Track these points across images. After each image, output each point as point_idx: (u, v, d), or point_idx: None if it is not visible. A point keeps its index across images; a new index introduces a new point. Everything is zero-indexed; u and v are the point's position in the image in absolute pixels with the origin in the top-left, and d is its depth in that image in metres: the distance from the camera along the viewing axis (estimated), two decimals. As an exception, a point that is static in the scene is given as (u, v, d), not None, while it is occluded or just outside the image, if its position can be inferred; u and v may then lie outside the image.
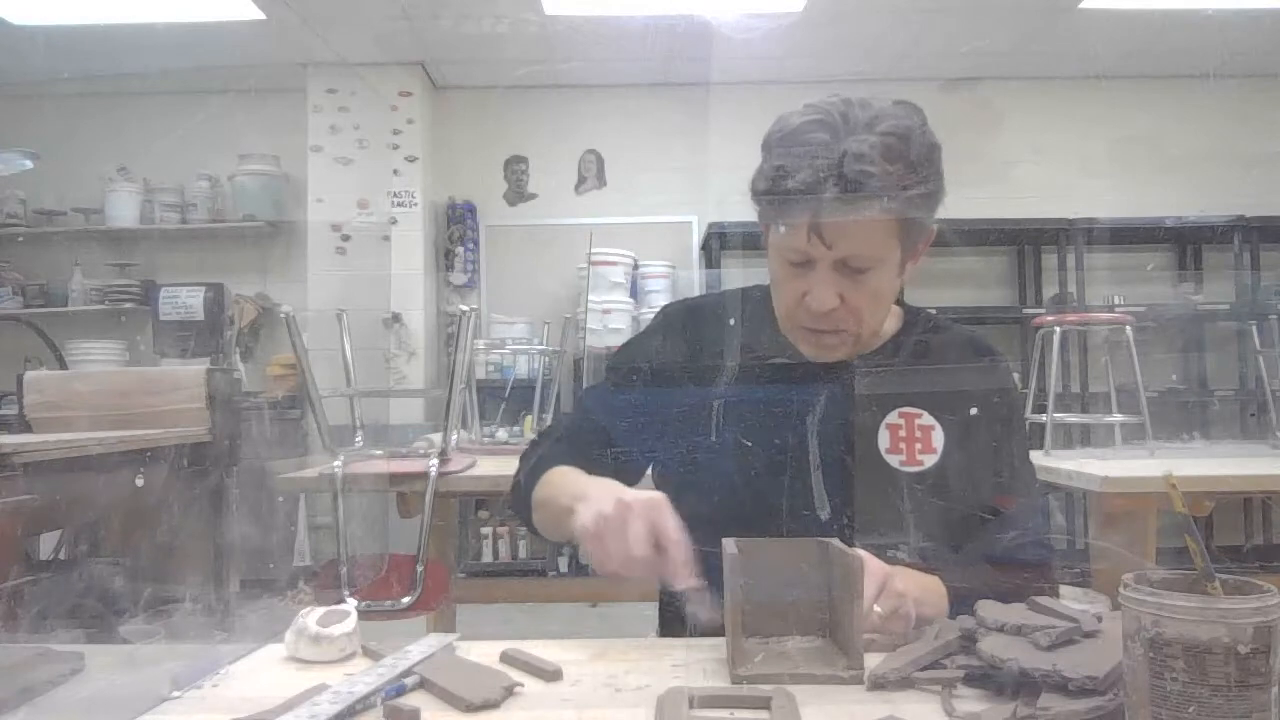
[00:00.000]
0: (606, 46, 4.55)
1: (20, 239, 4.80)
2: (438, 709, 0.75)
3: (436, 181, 5.00)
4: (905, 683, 0.77)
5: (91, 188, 4.81)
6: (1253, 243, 4.66)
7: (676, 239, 5.04)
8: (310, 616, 0.88)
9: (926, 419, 1.12)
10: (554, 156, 5.08)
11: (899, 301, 1.19)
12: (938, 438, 1.11)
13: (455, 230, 4.99)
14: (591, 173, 5.11)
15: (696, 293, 4.58)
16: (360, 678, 0.77)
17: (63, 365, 4.01)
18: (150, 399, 2.48)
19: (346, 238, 4.79)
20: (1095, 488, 2.05)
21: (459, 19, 4.26)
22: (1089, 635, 0.77)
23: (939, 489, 1.10)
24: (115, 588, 1.94)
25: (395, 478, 2.12)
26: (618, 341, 4.44)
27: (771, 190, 1.02)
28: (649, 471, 1.25)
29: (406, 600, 2.08)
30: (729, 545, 0.85)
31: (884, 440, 1.11)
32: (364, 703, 0.74)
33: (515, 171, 5.13)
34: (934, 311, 1.23)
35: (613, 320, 4.62)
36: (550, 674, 0.82)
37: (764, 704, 0.74)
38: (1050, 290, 4.89)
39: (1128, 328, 2.85)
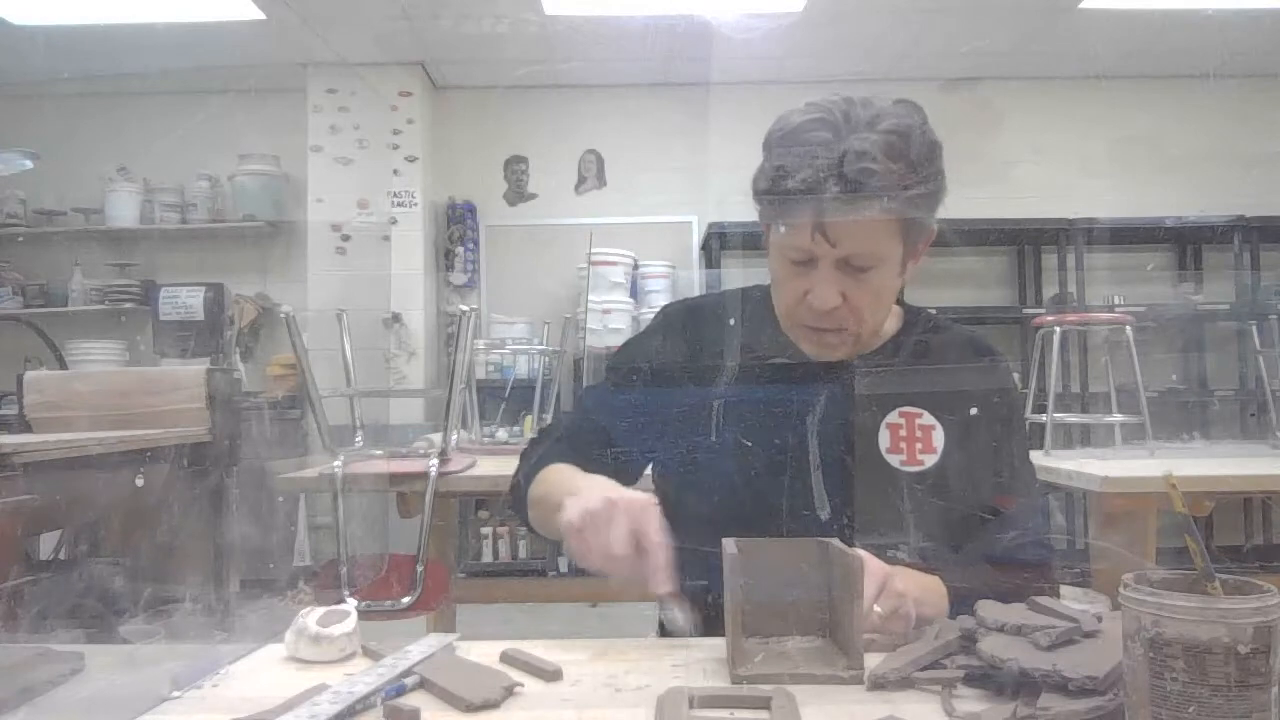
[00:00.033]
0: (606, 46, 4.55)
1: (20, 239, 4.80)
2: (438, 709, 0.75)
3: (436, 181, 5.00)
4: (905, 683, 0.77)
5: (91, 188, 4.81)
6: (1253, 243, 4.66)
7: (676, 239, 5.04)
8: (310, 616, 0.88)
9: (927, 419, 1.12)
10: (554, 156, 5.09)
11: (899, 301, 1.19)
12: (938, 438, 1.11)
13: (455, 230, 4.99)
14: (591, 173, 5.11)
15: (696, 293, 4.59)
16: (360, 678, 0.77)
17: (63, 365, 4.01)
18: (150, 399, 2.48)
19: (346, 238, 4.79)
20: (1095, 488, 2.05)
21: (459, 19, 4.26)
22: (1089, 635, 0.77)
23: (939, 489, 1.10)
24: (115, 588, 1.94)
25: (395, 478, 2.12)
26: (618, 341, 4.44)
27: (774, 189, 1.02)
28: (649, 471, 1.25)
29: (406, 600, 2.08)
30: (729, 545, 0.85)
31: (884, 440, 1.11)
32: (364, 703, 0.74)
33: (515, 171, 5.13)
34: (934, 311, 1.23)
35: (613, 320, 4.62)
36: (550, 674, 0.82)
37: (764, 704, 0.74)
38: (1050, 290, 4.89)
39: (1128, 328, 2.85)
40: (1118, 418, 2.79)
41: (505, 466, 2.19)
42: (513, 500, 1.21)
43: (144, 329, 4.52)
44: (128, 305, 4.75)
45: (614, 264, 4.73)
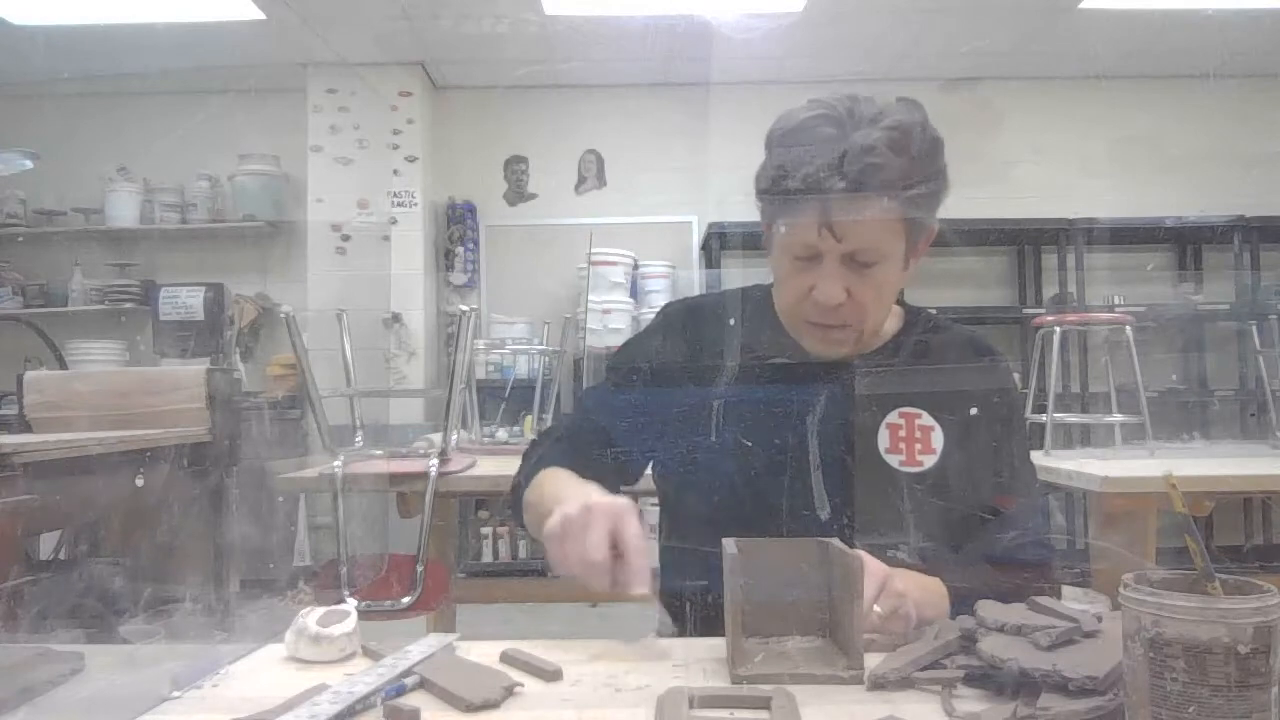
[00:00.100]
0: (606, 46, 4.55)
1: (20, 239, 4.80)
2: (438, 709, 0.75)
3: (436, 181, 5.00)
4: (905, 683, 0.77)
5: (91, 188, 4.81)
6: (1253, 243, 4.66)
7: (676, 239, 5.04)
8: (310, 616, 0.88)
9: (926, 419, 1.12)
10: (554, 156, 5.08)
11: (900, 301, 1.19)
12: (937, 438, 1.11)
13: (455, 230, 4.98)
14: (591, 173, 5.11)
15: (696, 293, 4.59)
16: (360, 678, 0.77)
17: (63, 365, 4.01)
18: (150, 399, 2.48)
19: (346, 238, 4.79)
20: (1095, 488, 2.05)
21: (459, 19, 4.26)
22: (1089, 635, 0.77)
23: (939, 489, 1.10)
24: (115, 588, 1.94)
25: (395, 478, 2.12)
26: (618, 341, 4.44)
27: (779, 185, 1.02)
28: (649, 471, 1.25)
29: (406, 600, 2.08)
30: (729, 545, 0.85)
31: (884, 440, 1.11)
32: (364, 703, 0.74)
33: (515, 171, 5.13)
34: (934, 311, 1.24)
35: (613, 320, 4.62)
36: (550, 674, 0.82)
37: (764, 704, 0.74)
38: (1050, 290, 4.89)
39: (1128, 328, 2.85)
40: (1118, 418, 2.79)
41: (505, 466, 2.19)
42: (511, 502, 1.21)
43: (144, 329, 4.52)
44: (128, 305, 4.75)
45: (614, 264, 4.73)
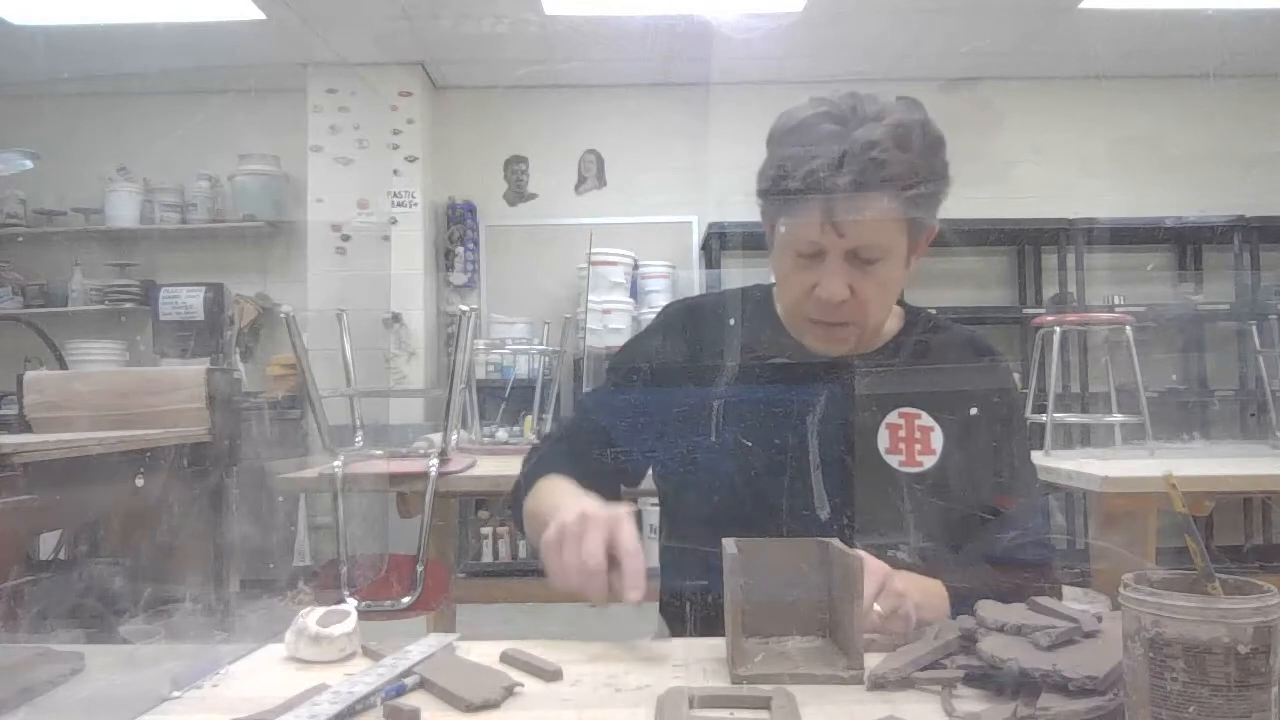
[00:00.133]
0: (606, 46, 4.55)
1: (20, 239, 4.80)
2: (438, 709, 0.75)
3: (436, 181, 5.00)
4: (905, 683, 0.77)
5: (91, 188, 4.81)
6: (1253, 243, 4.66)
7: (676, 239, 5.04)
8: (310, 616, 0.88)
9: (926, 420, 1.12)
10: (554, 156, 5.09)
11: (900, 302, 1.19)
12: (936, 439, 1.11)
13: (455, 230, 4.99)
14: (591, 173, 5.11)
15: (696, 293, 4.58)
16: (360, 678, 0.77)
17: (63, 365, 4.01)
18: (150, 399, 2.48)
19: (346, 238, 4.79)
20: (1095, 488, 2.05)
21: (459, 19, 4.26)
22: (1089, 635, 0.77)
23: (939, 489, 1.10)
24: (115, 588, 1.94)
25: (395, 478, 2.12)
26: (618, 341, 4.44)
27: (782, 181, 1.02)
28: (650, 472, 1.25)
29: (406, 600, 2.08)
30: (729, 545, 0.85)
31: (884, 440, 1.11)
32: (364, 703, 0.74)
33: (515, 171, 5.13)
34: (934, 311, 1.24)
35: (613, 320, 4.62)
36: (550, 674, 0.82)
37: (764, 704, 0.74)
38: (1050, 290, 4.89)
39: (1128, 328, 2.85)
40: (1118, 418, 2.79)
41: (505, 466, 2.19)
42: (512, 509, 1.21)
43: (144, 329, 4.52)
44: (128, 305, 4.75)
45: (614, 264, 4.73)
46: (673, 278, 4.89)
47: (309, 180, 4.78)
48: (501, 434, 3.07)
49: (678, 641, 0.92)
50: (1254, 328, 3.82)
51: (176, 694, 0.79)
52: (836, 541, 0.88)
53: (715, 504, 1.12)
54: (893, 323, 1.19)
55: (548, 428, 2.91)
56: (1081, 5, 4.08)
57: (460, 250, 4.98)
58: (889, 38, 4.38)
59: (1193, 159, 4.71)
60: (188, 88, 4.83)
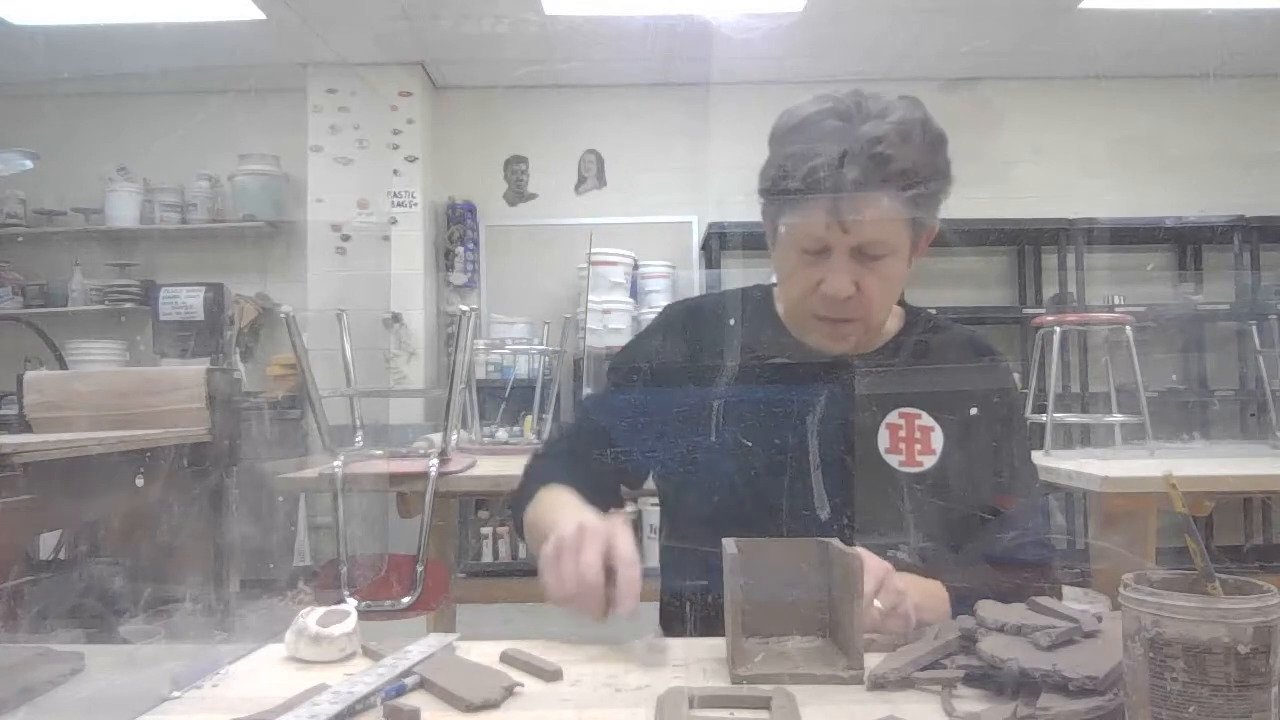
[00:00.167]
0: (606, 46, 4.55)
1: (20, 239, 4.80)
2: (438, 709, 0.75)
3: (436, 181, 5.00)
4: (905, 683, 0.77)
5: (91, 188, 4.81)
6: (1253, 243, 4.66)
7: (676, 239, 5.04)
8: (310, 616, 0.88)
9: (926, 420, 1.12)
10: (554, 156, 5.09)
11: (900, 302, 1.19)
12: (937, 439, 1.11)
13: (455, 230, 4.98)
14: (591, 173, 5.11)
15: (696, 293, 4.58)
16: (360, 678, 0.77)
17: (63, 365, 4.01)
18: (150, 399, 2.48)
19: (346, 238, 4.79)
20: (1095, 488, 2.05)
21: (459, 19, 4.26)
22: (1089, 635, 0.77)
23: (939, 489, 1.10)
24: (115, 588, 1.94)
25: (395, 478, 2.12)
26: (618, 341, 4.44)
27: (786, 179, 1.02)
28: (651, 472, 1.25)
29: (406, 600, 2.08)
30: (729, 545, 0.85)
31: (884, 440, 1.11)
32: (364, 703, 0.74)
33: (515, 171, 5.13)
34: (934, 311, 1.24)
35: (613, 320, 4.62)
36: (550, 674, 0.82)
37: (764, 704, 0.74)
38: (1050, 290, 4.89)
39: (1128, 328, 2.85)
40: (1118, 418, 2.79)
41: (505, 466, 2.19)
42: (513, 517, 1.21)
43: (144, 329, 4.52)
44: (128, 305, 4.75)
45: (614, 264, 4.73)
46: (673, 278, 4.89)
47: (309, 180, 4.78)
48: (501, 434, 3.07)
49: (678, 641, 0.92)
50: (1254, 328, 3.82)
51: (176, 694, 0.79)
52: (836, 541, 0.88)
53: (715, 504, 1.12)
54: (893, 323, 1.19)
55: (548, 428, 2.91)
56: (1081, 5, 4.08)
57: (460, 250, 4.98)
58: (889, 38, 4.38)
59: (1193, 159, 4.71)
60: (188, 88, 4.83)
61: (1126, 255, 4.91)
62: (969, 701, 0.74)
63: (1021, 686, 0.73)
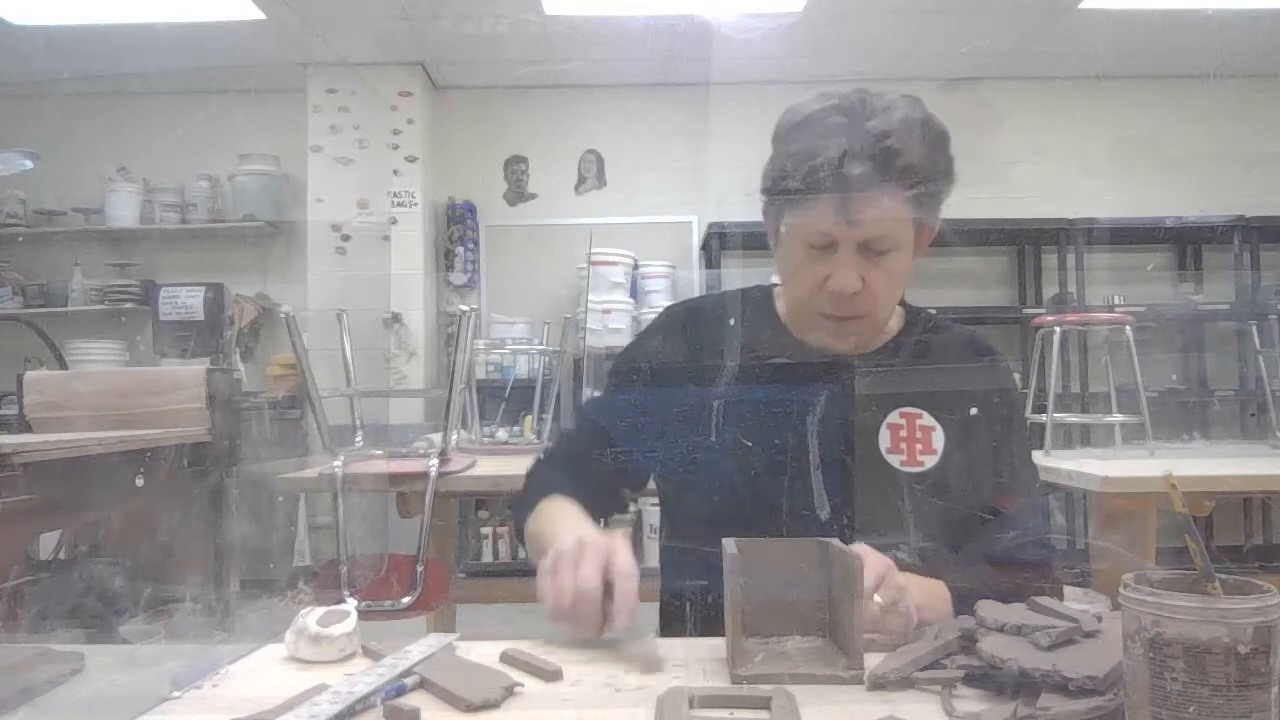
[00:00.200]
0: (606, 46, 4.55)
1: (20, 239, 4.80)
2: (438, 709, 0.75)
3: (436, 181, 5.00)
4: (905, 683, 0.77)
5: (91, 188, 4.81)
6: (1253, 243, 4.66)
7: (676, 239, 5.04)
8: (310, 616, 0.88)
9: (927, 419, 1.12)
10: (554, 156, 5.08)
11: (900, 302, 1.19)
12: (938, 439, 1.11)
13: (455, 230, 4.98)
14: (591, 173, 5.11)
15: (696, 293, 4.59)
16: (360, 678, 0.77)
17: (63, 365, 4.01)
18: (150, 399, 2.48)
19: (346, 238, 4.79)
20: (1095, 488, 2.05)
21: (459, 19, 4.26)
22: (1089, 635, 0.77)
23: (940, 489, 1.10)
24: (115, 588, 1.94)
25: (395, 478, 2.12)
26: (618, 341, 4.44)
27: (792, 175, 1.02)
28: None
29: (406, 600, 2.08)
30: (729, 545, 0.85)
31: (884, 440, 1.11)
32: (364, 703, 0.74)
33: (515, 171, 5.13)
34: (934, 311, 1.24)
35: (613, 320, 4.62)
36: (550, 674, 0.82)
37: (764, 704, 0.74)
38: (1050, 290, 4.89)
39: (1128, 328, 2.85)
40: (1118, 418, 2.79)
41: (505, 466, 2.20)
42: (514, 525, 1.21)
43: (144, 329, 4.52)
44: (128, 305, 4.75)
45: (614, 264, 4.73)
46: (673, 278, 4.89)
47: (309, 180, 4.78)
48: (501, 434, 3.07)
49: (678, 641, 0.92)
50: (1254, 328, 3.82)
51: (176, 694, 0.79)
52: (836, 541, 0.88)
53: (715, 504, 1.12)
54: (894, 322, 1.19)
55: (547, 428, 2.91)
56: (1081, 5, 4.08)
57: (460, 250, 4.98)
58: (889, 38, 4.38)
59: (1193, 159, 4.71)
60: (188, 88, 4.83)
61: (1126, 255, 4.91)
62: (969, 701, 0.74)
63: (1021, 686, 0.73)
